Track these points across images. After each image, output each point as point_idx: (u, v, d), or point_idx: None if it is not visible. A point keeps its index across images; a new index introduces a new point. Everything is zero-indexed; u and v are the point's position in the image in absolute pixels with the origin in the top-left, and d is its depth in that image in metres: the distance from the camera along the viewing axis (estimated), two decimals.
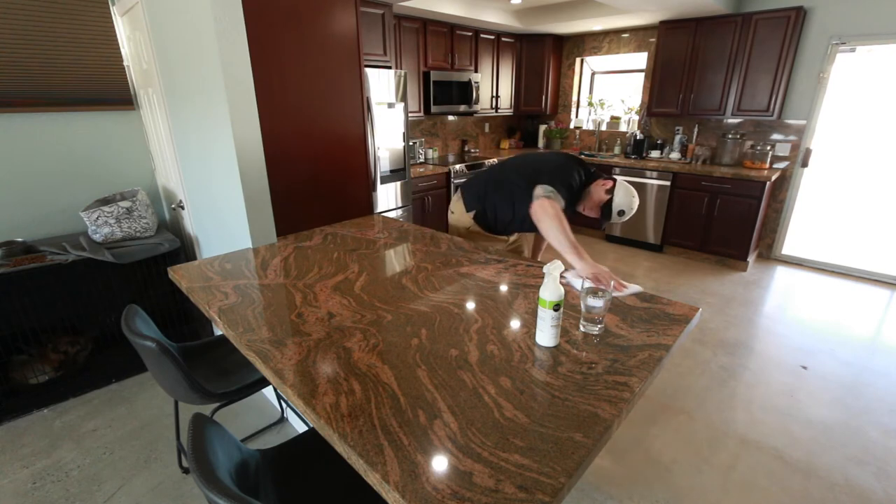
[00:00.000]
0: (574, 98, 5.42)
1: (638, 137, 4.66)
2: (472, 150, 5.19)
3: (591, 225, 4.93)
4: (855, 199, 4.18)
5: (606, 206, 1.85)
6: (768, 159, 3.98)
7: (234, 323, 1.21)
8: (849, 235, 4.16)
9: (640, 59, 4.79)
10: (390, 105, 3.28)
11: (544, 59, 5.06)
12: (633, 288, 1.39)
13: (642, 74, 4.80)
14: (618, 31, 4.82)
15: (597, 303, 1.12)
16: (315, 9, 1.89)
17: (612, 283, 1.41)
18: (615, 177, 2.03)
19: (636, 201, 1.84)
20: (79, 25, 2.49)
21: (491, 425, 0.82)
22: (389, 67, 3.50)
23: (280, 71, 1.84)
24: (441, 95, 4.18)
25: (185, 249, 2.62)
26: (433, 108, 4.15)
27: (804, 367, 2.55)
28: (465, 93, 4.41)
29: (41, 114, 2.46)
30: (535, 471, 0.72)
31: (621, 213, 1.82)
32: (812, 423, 2.12)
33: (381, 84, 3.17)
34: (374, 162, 3.23)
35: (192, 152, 2.18)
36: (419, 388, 0.93)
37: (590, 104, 5.38)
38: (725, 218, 3.93)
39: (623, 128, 5.07)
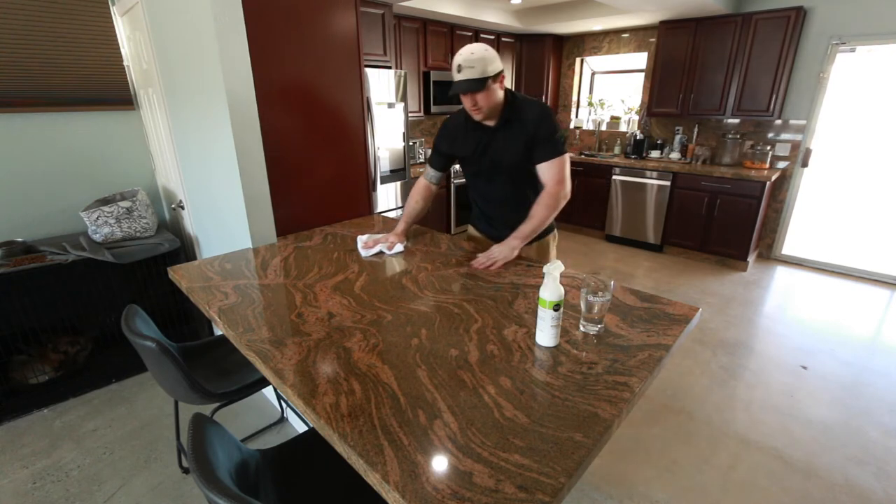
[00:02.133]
0: (574, 98, 5.42)
1: (638, 137, 4.66)
2: None
3: (591, 225, 4.93)
4: (855, 199, 4.18)
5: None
6: (768, 159, 3.98)
7: (234, 323, 1.21)
8: (849, 235, 4.16)
9: (640, 59, 4.80)
10: (390, 105, 3.28)
11: (544, 59, 5.06)
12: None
13: (642, 74, 4.80)
14: (618, 31, 4.83)
15: (597, 301, 1.12)
16: (315, 9, 1.89)
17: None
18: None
19: (465, 49, 1.49)
20: (79, 25, 2.49)
21: (491, 425, 0.82)
22: (389, 67, 3.50)
23: (280, 71, 1.84)
24: (441, 95, 4.18)
25: (185, 249, 2.62)
26: (433, 108, 4.15)
27: (804, 367, 2.56)
28: None
29: (41, 114, 2.46)
30: (535, 471, 0.72)
31: (459, 68, 1.48)
32: (812, 423, 2.12)
33: (381, 84, 3.17)
34: (374, 162, 3.23)
35: (192, 152, 2.18)
36: (419, 388, 0.93)
37: (590, 104, 5.38)
38: (725, 218, 3.94)
39: (623, 128, 5.07)
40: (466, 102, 1.54)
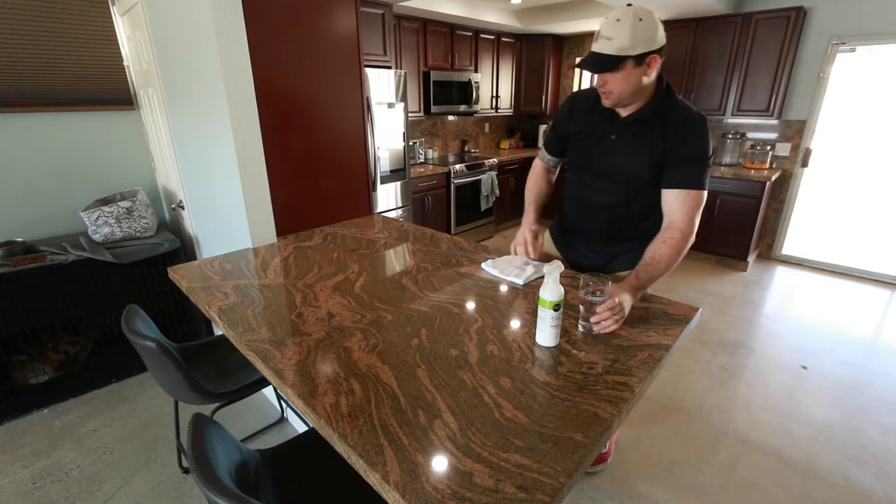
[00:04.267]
0: None
1: None
2: (472, 150, 5.18)
3: None
4: (855, 199, 4.18)
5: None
6: (768, 159, 3.98)
7: (234, 323, 1.21)
8: (849, 235, 4.16)
9: None
10: (390, 105, 3.28)
11: (544, 59, 5.06)
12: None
13: None
14: None
15: (596, 300, 1.12)
16: (315, 9, 1.89)
17: (521, 251, 1.41)
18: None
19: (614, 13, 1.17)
20: (79, 25, 2.49)
21: (491, 425, 0.82)
22: (389, 67, 3.50)
23: (280, 71, 1.84)
24: (441, 95, 4.18)
25: (185, 249, 2.62)
26: (433, 108, 4.15)
27: (804, 367, 2.55)
28: (465, 93, 4.41)
29: (41, 114, 2.46)
30: (535, 471, 0.72)
31: (597, 35, 1.19)
32: (812, 423, 2.12)
33: (381, 84, 3.17)
34: (374, 162, 3.23)
35: (192, 152, 2.18)
36: (419, 388, 0.93)
37: None
38: (725, 218, 3.93)
39: None
40: (597, 81, 1.22)
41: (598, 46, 1.15)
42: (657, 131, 1.24)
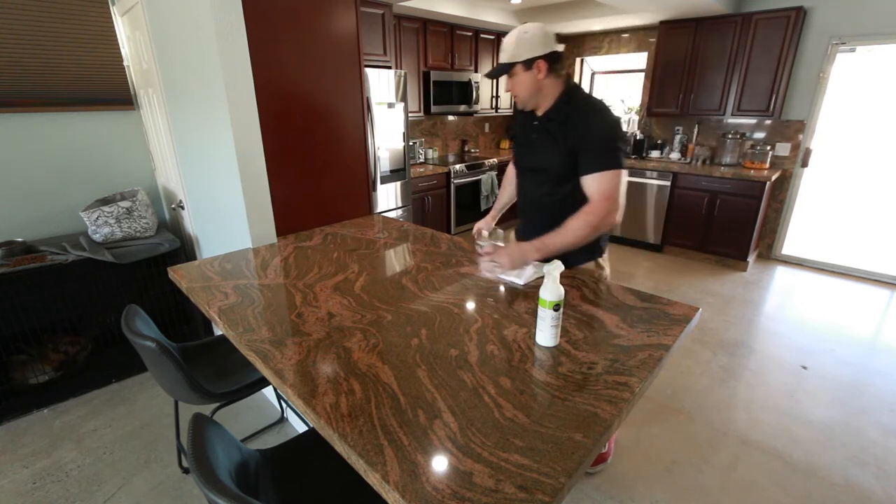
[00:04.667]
0: None
1: (638, 137, 4.66)
2: (472, 150, 5.19)
3: None
4: (855, 199, 4.18)
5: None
6: (768, 159, 3.98)
7: (234, 323, 1.21)
8: (849, 235, 4.16)
9: (640, 59, 4.79)
10: (390, 105, 3.28)
11: None
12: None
13: (642, 74, 4.80)
14: (618, 31, 4.82)
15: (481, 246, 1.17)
16: (315, 9, 1.90)
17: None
18: None
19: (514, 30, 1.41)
20: (79, 25, 2.49)
21: (491, 425, 0.82)
22: (389, 67, 3.50)
23: (280, 71, 1.84)
24: (441, 95, 4.18)
25: (185, 249, 2.62)
26: (433, 108, 4.15)
27: (804, 367, 2.55)
28: (465, 93, 4.41)
29: (41, 114, 2.46)
30: (535, 471, 0.72)
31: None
32: (812, 423, 2.12)
33: (381, 84, 3.17)
34: (374, 162, 3.23)
35: (192, 152, 2.18)
36: (419, 388, 0.93)
37: None
38: (725, 218, 3.93)
39: (623, 128, 5.06)
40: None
41: (500, 57, 1.42)
42: (564, 126, 1.41)
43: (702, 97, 4.10)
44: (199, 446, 0.82)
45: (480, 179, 4.47)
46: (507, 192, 1.84)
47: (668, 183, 4.18)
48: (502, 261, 1.41)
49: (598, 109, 1.40)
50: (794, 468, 1.86)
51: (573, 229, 1.37)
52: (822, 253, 4.08)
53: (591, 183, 1.38)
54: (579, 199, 1.41)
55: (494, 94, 4.90)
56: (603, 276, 1.59)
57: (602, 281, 1.52)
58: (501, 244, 1.08)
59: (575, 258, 1.49)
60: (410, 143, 3.99)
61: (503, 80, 1.49)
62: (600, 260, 1.58)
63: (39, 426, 2.11)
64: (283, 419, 2.13)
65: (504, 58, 1.39)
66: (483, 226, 1.87)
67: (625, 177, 1.37)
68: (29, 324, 2.16)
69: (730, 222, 3.92)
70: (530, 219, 1.64)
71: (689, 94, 4.15)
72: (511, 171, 1.79)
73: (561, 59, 1.40)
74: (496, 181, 4.60)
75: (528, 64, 1.37)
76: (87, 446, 1.98)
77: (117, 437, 2.03)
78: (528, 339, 1.11)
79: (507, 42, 1.38)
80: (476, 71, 4.56)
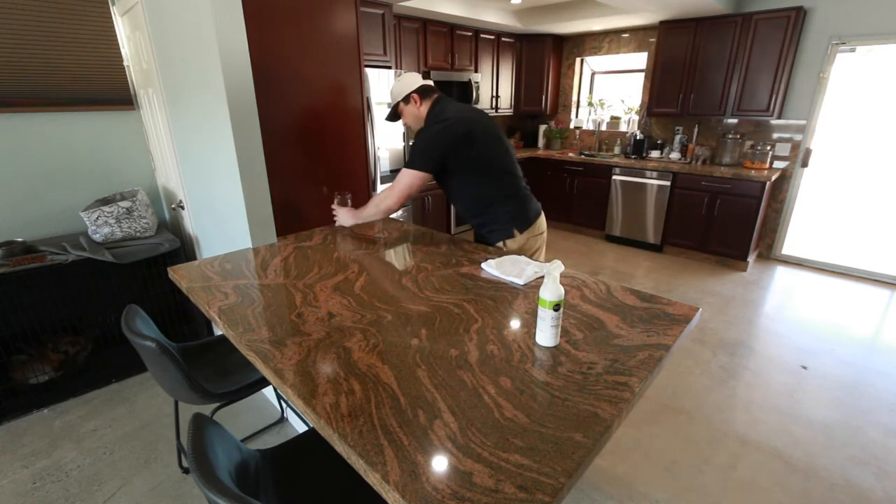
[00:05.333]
0: (574, 98, 5.42)
1: (638, 137, 4.66)
2: None
3: (590, 225, 4.93)
4: (855, 199, 4.17)
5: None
6: (768, 159, 3.98)
7: (234, 323, 1.21)
8: (849, 235, 4.16)
9: (640, 59, 4.79)
10: (390, 105, 3.28)
11: (544, 59, 5.06)
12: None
13: (642, 74, 4.80)
14: (618, 31, 4.83)
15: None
16: (315, 9, 1.90)
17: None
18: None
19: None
20: (79, 25, 2.49)
21: (491, 425, 0.82)
22: (389, 67, 3.50)
23: (280, 71, 1.84)
24: None
25: (185, 249, 2.62)
26: None
27: (804, 367, 2.56)
28: (465, 93, 4.41)
29: (41, 114, 2.46)
30: (535, 471, 0.72)
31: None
32: (812, 423, 2.12)
33: (381, 84, 3.17)
34: (374, 162, 3.23)
35: (192, 152, 2.18)
36: (419, 388, 0.93)
37: (590, 104, 5.38)
38: (725, 218, 3.94)
39: (623, 128, 5.07)
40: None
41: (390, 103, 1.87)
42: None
43: (702, 97, 4.10)
44: (199, 446, 0.82)
45: None
46: None
47: (668, 183, 4.18)
48: (338, 219, 1.96)
49: (434, 119, 1.77)
50: (793, 468, 1.86)
51: (369, 203, 1.86)
52: (822, 253, 4.08)
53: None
54: (462, 197, 1.86)
55: (494, 94, 4.90)
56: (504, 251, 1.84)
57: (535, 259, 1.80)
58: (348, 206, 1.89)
59: (488, 236, 1.86)
60: (410, 143, 3.98)
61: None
62: (509, 241, 1.82)
63: (39, 426, 2.11)
64: (283, 419, 2.13)
65: (392, 100, 1.84)
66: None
67: (412, 177, 1.72)
68: (29, 324, 2.16)
69: (730, 222, 3.92)
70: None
71: (689, 94, 4.15)
72: None
73: (429, 89, 1.80)
74: None
75: (407, 99, 1.79)
76: (87, 446, 1.98)
77: (117, 437, 2.03)
78: (528, 339, 1.11)
79: (392, 89, 1.82)
80: (476, 71, 4.56)
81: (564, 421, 0.83)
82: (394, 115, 1.87)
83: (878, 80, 3.73)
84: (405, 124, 1.91)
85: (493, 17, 4.23)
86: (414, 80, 1.79)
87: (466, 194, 1.85)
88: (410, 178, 1.73)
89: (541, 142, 5.59)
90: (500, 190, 1.81)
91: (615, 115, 5.15)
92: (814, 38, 3.68)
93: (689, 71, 4.11)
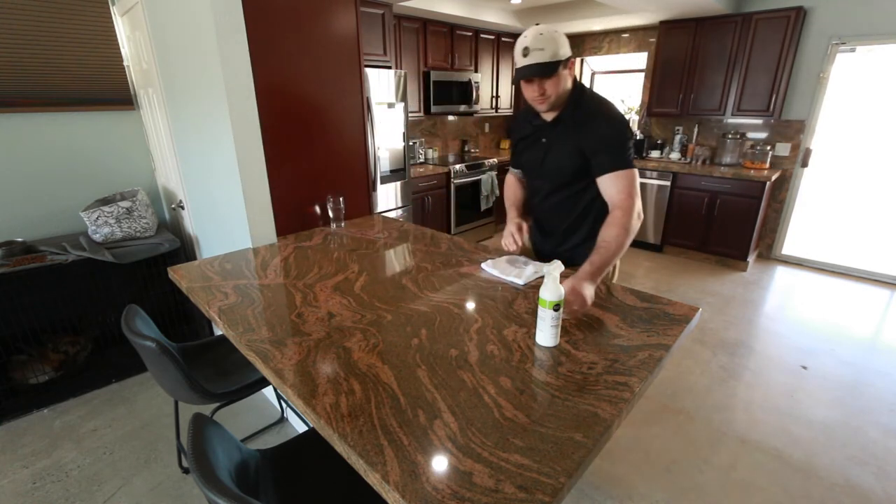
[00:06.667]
0: None
1: (638, 137, 4.66)
2: (472, 150, 5.19)
3: None
4: (855, 199, 4.18)
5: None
6: (768, 159, 3.98)
7: (234, 323, 1.21)
8: (849, 235, 4.16)
9: (640, 59, 4.79)
10: (390, 105, 3.28)
11: None
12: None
13: (642, 74, 4.80)
14: (618, 31, 4.82)
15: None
16: (315, 9, 1.89)
17: (509, 242, 1.56)
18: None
19: (532, 30, 1.32)
20: (79, 25, 2.49)
21: (491, 425, 0.82)
22: (389, 67, 3.50)
23: (280, 71, 1.84)
24: (441, 95, 4.18)
25: (185, 249, 2.62)
26: (433, 108, 4.15)
27: (804, 367, 2.55)
28: (465, 93, 4.41)
29: (41, 114, 2.46)
30: (535, 471, 0.72)
31: (525, 51, 1.31)
32: (812, 423, 2.12)
33: (381, 84, 3.17)
34: (374, 162, 3.23)
35: (192, 152, 2.18)
36: (419, 388, 0.93)
37: None
38: (725, 218, 3.93)
39: (631, 126, 5.06)
40: (530, 92, 1.37)
41: (534, 57, 1.29)
42: (575, 126, 1.41)
43: (702, 97, 4.10)
44: (199, 446, 0.82)
45: (480, 179, 4.47)
46: (515, 196, 1.72)
47: (668, 183, 4.18)
48: (579, 302, 1.17)
49: (610, 106, 1.43)
50: (793, 468, 1.86)
51: (615, 238, 1.29)
52: (821, 253, 4.08)
53: (609, 182, 1.36)
54: (595, 199, 1.45)
55: (494, 94, 4.90)
56: (613, 274, 1.62)
57: (609, 279, 1.52)
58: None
59: (581, 257, 1.38)
60: (410, 143, 3.99)
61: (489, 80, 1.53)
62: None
63: (39, 426, 2.11)
64: (283, 419, 2.12)
65: (545, 56, 1.28)
66: (516, 230, 1.59)
67: (637, 177, 1.37)
68: (29, 324, 2.16)
69: (730, 222, 3.92)
70: (545, 225, 1.67)
71: (689, 94, 4.15)
72: (512, 179, 1.75)
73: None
74: (496, 181, 4.60)
75: (566, 63, 1.33)
76: (87, 446, 1.98)
77: (117, 437, 2.03)
78: (528, 339, 1.11)
79: (546, 41, 1.27)
80: (476, 71, 4.56)
81: (564, 421, 0.83)
82: (548, 73, 1.31)
83: (877, 80, 3.73)
84: (542, 96, 1.36)
85: (493, 17, 4.23)
86: (567, 40, 1.34)
87: (598, 205, 1.44)
88: (635, 177, 1.36)
89: None
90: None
91: None
92: (814, 38, 3.68)
93: (689, 71, 4.11)
